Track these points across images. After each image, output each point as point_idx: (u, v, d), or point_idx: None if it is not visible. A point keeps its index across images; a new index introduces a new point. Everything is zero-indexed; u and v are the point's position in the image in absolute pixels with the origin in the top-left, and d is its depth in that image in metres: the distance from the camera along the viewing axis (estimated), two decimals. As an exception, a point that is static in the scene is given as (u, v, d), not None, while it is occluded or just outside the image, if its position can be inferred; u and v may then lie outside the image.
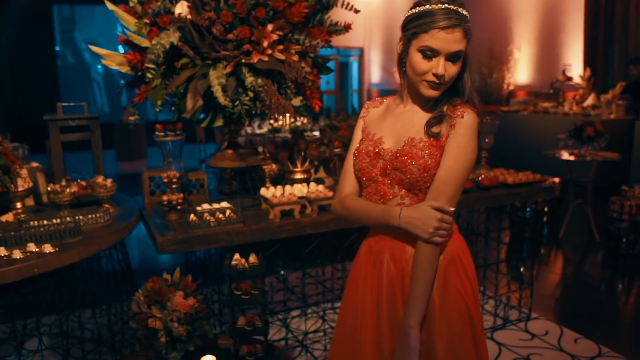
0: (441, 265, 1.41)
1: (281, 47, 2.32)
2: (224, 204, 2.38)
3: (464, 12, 1.35)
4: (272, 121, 6.40)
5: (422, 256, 1.35)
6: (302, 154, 2.87)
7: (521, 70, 9.54)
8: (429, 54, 1.35)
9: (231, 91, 2.23)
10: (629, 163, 6.51)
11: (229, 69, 2.24)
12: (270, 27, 2.28)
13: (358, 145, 1.53)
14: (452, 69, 1.37)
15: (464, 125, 1.38)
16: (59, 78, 11.41)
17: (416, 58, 1.37)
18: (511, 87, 9.69)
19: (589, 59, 8.19)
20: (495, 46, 9.52)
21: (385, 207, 1.41)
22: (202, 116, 2.42)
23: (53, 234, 1.96)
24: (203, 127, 2.45)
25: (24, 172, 2.35)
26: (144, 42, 2.30)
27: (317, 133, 6.29)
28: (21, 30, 10.45)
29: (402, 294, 1.43)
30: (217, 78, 2.20)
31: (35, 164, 2.60)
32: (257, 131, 6.74)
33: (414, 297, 1.35)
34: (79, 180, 2.64)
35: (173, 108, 2.38)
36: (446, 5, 1.33)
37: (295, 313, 3.32)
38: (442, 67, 1.35)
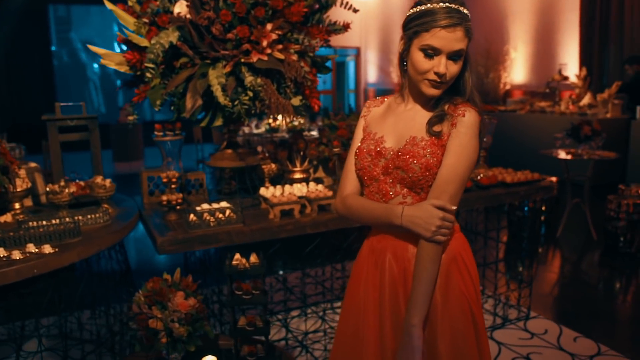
0: (443, 263, 1.41)
1: (280, 46, 2.32)
2: (224, 204, 2.38)
3: (465, 11, 1.35)
4: (270, 121, 6.40)
5: (424, 255, 1.35)
6: (302, 153, 2.87)
7: (517, 70, 9.56)
8: (431, 52, 1.35)
9: (231, 91, 2.22)
10: (626, 162, 6.53)
11: (228, 69, 2.23)
12: (269, 26, 2.28)
13: (359, 144, 1.53)
14: (454, 68, 1.37)
15: (466, 123, 1.39)
16: (55, 78, 11.37)
17: (417, 57, 1.37)
18: (507, 87, 9.71)
19: (585, 59, 8.22)
20: (491, 46, 9.53)
21: (388, 206, 1.41)
22: (201, 116, 2.42)
23: (52, 234, 1.95)
24: (203, 126, 2.44)
25: (22, 172, 2.34)
26: (143, 42, 2.30)
27: (314, 133, 6.29)
28: (17, 30, 10.41)
29: (405, 293, 1.43)
30: (216, 77, 2.20)
31: (33, 164, 2.59)
32: (255, 131, 6.74)
33: (417, 296, 1.35)
34: (77, 181, 2.63)
35: (172, 108, 2.37)
36: (447, 4, 1.33)
37: (294, 313, 3.32)
38: (443, 65, 1.35)
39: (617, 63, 7.91)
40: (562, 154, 4.90)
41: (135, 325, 1.80)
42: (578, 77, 7.59)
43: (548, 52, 8.93)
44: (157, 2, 2.28)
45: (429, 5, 1.34)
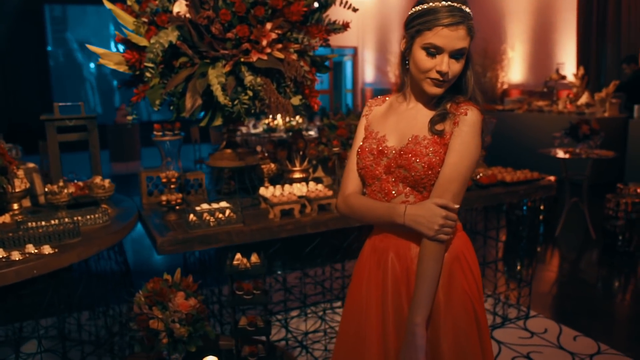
0: (446, 262, 1.41)
1: (280, 45, 2.31)
2: (224, 204, 2.37)
3: (467, 10, 1.35)
4: (268, 120, 6.39)
5: (427, 254, 1.35)
6: (301, 153, 2.86)
7: (515, 69, 9.58)
8: (433, 51, 1.34)
9: (230, 90, 2.21)
10: (624, 161, 6.54)
11: (228, 68, 2.22)
12: (269, 25, 2.27)
13: (361, 143, 1.53)
14: (456, 67, 1.37)
15: (468, 122, 1.38)
16: (51, 78, 11.32)
17: (420, 56, 1.36)
18: (505, 86, 9.73)
19: (582, 58, 8.24)
20: (488, 45, 9.55)
21: (390, 205, 1.41)
22: (200, 115, 2.41)
23: (52, 235, 1.94)
24: (202, 126, 2.43)
25: (20, 173, 2.33)
26: (142, 41, 2.29)
27: (312, 132, 6.29)
28: (12, 30, 10.37)
29: (407, 293, 1.42)
30: (216, 77, 2.19)
31: (31, 165, 2.57)
32: (252, 131, 6.73)
33: (420, 295, 1.35)
34: (75, 181, 2.62)
35: (171, 107, 2.36)
36: (450, 2, 1.33)
37: (294, 313, 3.31)
38: (445, 64, 1.34)
39: (614, 62, 7.94)
40: (561, 153, 4.90)
41: (136, 326, 1.79)
42: (576, 76, 7.60)
43: (545, 51, 8.95)
44: (156, 2, 2.27)
45: (431, 4, 1.34)
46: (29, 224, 2.04)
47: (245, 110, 2.30)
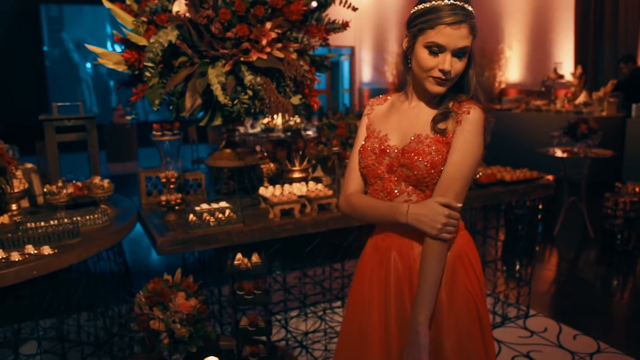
0: (448, 261, 1.41)
1: (280, 45, 2.30)
2: (223, 204, 2.36)
3: (470, 8, 1.35)
4: (267, 120, 6.38)
5: (430, 253, 1.35)
6: (300, 153, 2.86)
7: (512, 69, 9.59)
8: (435, 50, 1.34)
9: (230, 90, 2.21)
10: (622, 160, 6.55)
11: (227, 68, 2.22)
12: (268, 25, 2.26)
13: (363, 142, 1.52)
14: (458, 65, 1.36)
15: (470, 121, 1.38)
16: (47, 79, 11.28)
17: (422, 54, 1.36)
18: (503, 86, 9.74)
19: (580, 57, 8.25)
20: (486, 45, 9.56)
21: (393, 204, 1.40)
22: (200, 115, 2.40)
23: (51, 235, 1.93)
24: (201, 125, 2.42)
25: (19, 173, 2.31)
26: (142, 41, 2.28)
27: (310, 132, 6.28)
28: (8, 30, 10.32)
29: (410, 292, 1.42)
30: (216, 76, 2.18)
31: (29, 165, 2.56)
32: (250, 131, 6.71)
33: (423, 293, 1.34)
34: (74, 181, 2.60)
35: (171, 107, 2.35)
36: (452, 1, 1.32)
37: (294, 313, 3.30)
38: (448, 63, 1.34)
39: (611, 61, 7.95)
40: (559, 152, 4.91)
41: (137, 327, 1.78)
42: (573, 75, 7.62)
43: (543, 50, 8.96)
44: (156, 1, 2.26)
45: (433, 2, 1.33)
46: (28, 224, 2.03)
47: (245, 109, 2.29)
